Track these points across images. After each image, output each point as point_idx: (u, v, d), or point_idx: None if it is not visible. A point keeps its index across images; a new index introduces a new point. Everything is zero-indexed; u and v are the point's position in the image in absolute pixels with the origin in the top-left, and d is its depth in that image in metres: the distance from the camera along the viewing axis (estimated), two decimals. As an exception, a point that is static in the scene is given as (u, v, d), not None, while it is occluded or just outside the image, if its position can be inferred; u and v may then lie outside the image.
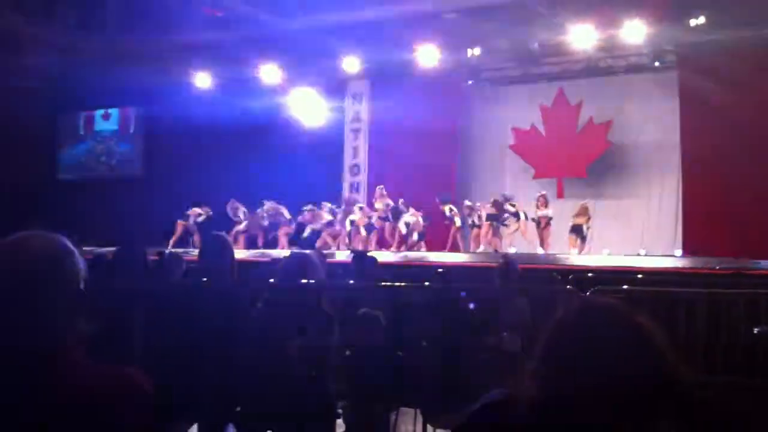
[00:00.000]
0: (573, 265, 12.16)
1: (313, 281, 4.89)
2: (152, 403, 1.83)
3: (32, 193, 20.50)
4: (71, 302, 1.82)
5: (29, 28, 16.53)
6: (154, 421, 1.83)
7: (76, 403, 1.74)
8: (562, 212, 15.89)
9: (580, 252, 14.75)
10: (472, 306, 6.26)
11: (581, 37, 14.96)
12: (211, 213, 17.57)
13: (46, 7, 16.43)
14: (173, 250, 8.53)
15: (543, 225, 15.44)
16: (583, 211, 15.21)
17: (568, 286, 6.92)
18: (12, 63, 18.24)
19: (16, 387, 1.72)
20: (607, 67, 17.42)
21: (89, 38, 17.08)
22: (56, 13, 16.73)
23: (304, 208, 17.06)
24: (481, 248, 15.64)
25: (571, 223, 15.17)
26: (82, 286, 1.85)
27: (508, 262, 7.72)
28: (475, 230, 16.10)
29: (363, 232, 16.30)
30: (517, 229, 15.73)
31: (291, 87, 18.81)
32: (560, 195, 17.31)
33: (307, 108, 19.47)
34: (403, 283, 7.39)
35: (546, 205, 15.58)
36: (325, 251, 12.68)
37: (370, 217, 16.52)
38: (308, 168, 18.31)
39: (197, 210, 17.53)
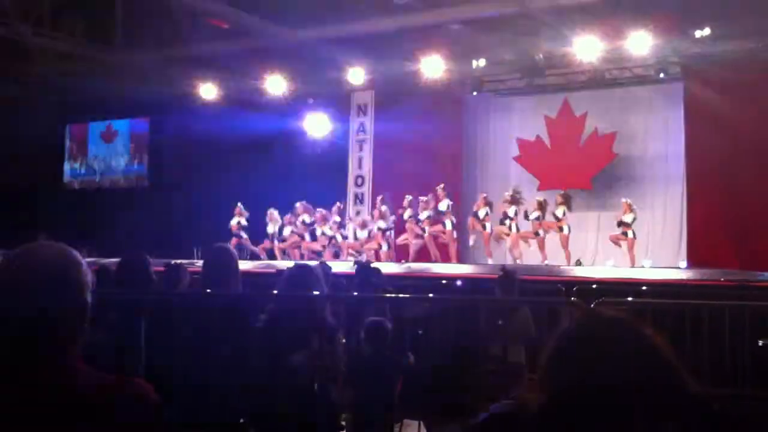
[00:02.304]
0: (577, 277, 12.14)
1: (316, 292, 4.90)
2: (158, 414, 1.83)
3: (38, 202, 20.57)
4: (78, 313, 1.83)
5: (36, 39, 16.59)
6: (159, 432, 1.84)
7: (82, 414, 1.74)
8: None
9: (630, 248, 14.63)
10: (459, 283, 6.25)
11: (586, 48, 14.96)
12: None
13: (53, 18, 16.49)
14: (178, 261, 8.52)
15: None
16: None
17: (572, 298, 6.91)
18: (19, 73, 18.33)
19: (22, 397, 1.73)
20: (612, 78, 17.43)
21: (96, 49, 17.15)
22: (63, 24, 16.79)
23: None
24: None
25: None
26: (89, 297, 1.86)
27: (508, 274, 7.73)
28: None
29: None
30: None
31: (296, 98, 18.83)
32: (565, 206, 17.31)
33: (313, 119, 19.54)
34: (407, 295, 7.39)
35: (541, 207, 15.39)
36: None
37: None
38: (313, 178, 18.34)
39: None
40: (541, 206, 15.07)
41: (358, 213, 17.66)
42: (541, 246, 15.06)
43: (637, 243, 14.95)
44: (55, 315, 1.78)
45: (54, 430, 1.73)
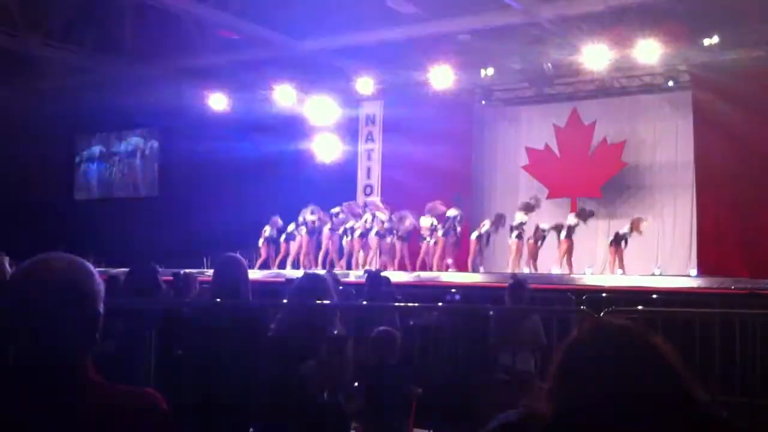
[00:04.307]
0: (587, 286, 12.11)
1: (326, 301, 4.91)
2: (169, 423, 1.84)
3: (50, 212, 20.65)
4: (90, 323, 1.84)
5: (47, 51, 16.70)
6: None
7: (94, 423, 1.76)
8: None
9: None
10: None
11: (594, 57, 14.94)
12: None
13: (63, 31, 16.61)
14: (187, 270, 8.52)
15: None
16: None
17: (582, 307, 6.91)
18: (29, 85, 18.44)
19: (36, 407, 1.74)
20: (620, 87, 17.42)
21: (106, 61, 17.25)
22: (74, 37, 16.91)
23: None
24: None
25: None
26: (101, 307, 1.87)
27: (519, 282, 7.72)
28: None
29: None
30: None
31: (305, 107, 18.87)
32: (574, 215, 17.31)
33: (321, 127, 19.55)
34: (416, 303, 7.40)
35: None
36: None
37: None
38: (322, 187, 18.36)
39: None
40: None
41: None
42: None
43: (646, 251, 14.94)
44: (67, 325, 1.79)
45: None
